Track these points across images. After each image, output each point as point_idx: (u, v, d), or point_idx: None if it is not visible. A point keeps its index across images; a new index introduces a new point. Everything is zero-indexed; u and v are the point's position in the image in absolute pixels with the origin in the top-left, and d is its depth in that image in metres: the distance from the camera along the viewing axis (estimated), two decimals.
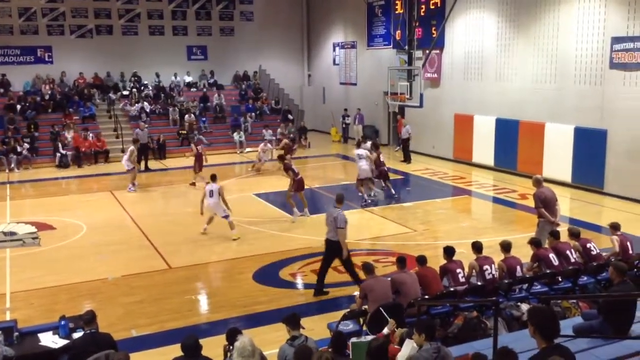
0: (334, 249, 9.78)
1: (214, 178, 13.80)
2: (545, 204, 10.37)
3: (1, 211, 15.74)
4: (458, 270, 8.30)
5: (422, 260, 8.50)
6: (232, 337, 5.83)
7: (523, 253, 9.19)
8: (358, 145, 16.96)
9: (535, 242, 8.98)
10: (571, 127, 16.96)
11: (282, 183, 16.72)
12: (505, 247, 8.67)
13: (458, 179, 19.10)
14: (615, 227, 9.32)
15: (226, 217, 13.21)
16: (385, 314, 6.93)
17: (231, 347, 5.73)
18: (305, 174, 16.68)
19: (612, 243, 9.23)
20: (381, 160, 16.44)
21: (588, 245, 9.10)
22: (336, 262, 11.27)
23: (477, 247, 8.66)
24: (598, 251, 9.12)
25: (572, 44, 16.77)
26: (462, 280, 8.25)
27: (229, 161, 23.14)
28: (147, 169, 21.23)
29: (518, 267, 8.45)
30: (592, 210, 15.01)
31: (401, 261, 8.25)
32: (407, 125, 22.38)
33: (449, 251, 8.57)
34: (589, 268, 8.73)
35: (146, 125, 23.07)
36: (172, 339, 7.57)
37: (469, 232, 13.06)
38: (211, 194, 13.31)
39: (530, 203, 11.15)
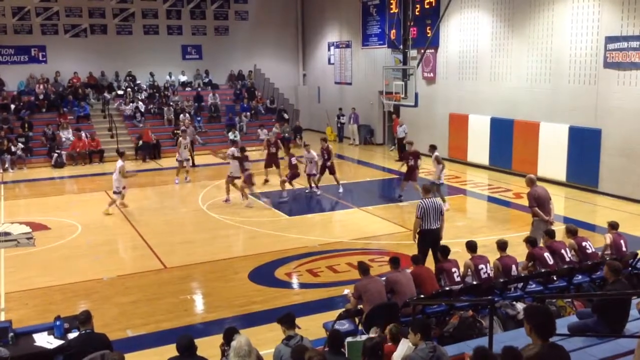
0: (438, 238, 9.93)
1: (121, 154, 15.25)
2: (539, 203, 10.40)
3: None
4: (453, 270, 8.31)
5: (417, 259, 8.53)
6: (229, 336, 5.83)
7: (518, 252, 9.21)
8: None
9: (530, 241, 8.99)
10: (565, 126, 17.02)
11: (279, 182, 17.04)
12: (501, 246, 8.68)
13: (453, 178, 19.11)
14: (613, 226, 9.35)
15: (116, 192, 14.69)
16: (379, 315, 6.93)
17: (227, 347, 5.73)
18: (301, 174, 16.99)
19: (605, 240, 9.28)
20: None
21: (584, 243, 9.12)
22: (332, 261, 11.33)
23: (471, 246, 8.68)
24: (593, 250, 9.15)
25: (566, 43, 16.82)
26: (457, 279, 8.26)
27: (224, 161, 23.04)
28: (194, 165, 21.44)
29: (513, 266, 8.45)
30: (586, 209, 15.06)
31: (394, 261, 8.26)
32: (403, 125, 22.41)
33: (444, 250, 8.58)
34: (583, 267, 8.75)
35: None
36: (167, 339, 7.56)
37: (464, 231, 13.09)
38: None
39: (525, 202, 11.18)
